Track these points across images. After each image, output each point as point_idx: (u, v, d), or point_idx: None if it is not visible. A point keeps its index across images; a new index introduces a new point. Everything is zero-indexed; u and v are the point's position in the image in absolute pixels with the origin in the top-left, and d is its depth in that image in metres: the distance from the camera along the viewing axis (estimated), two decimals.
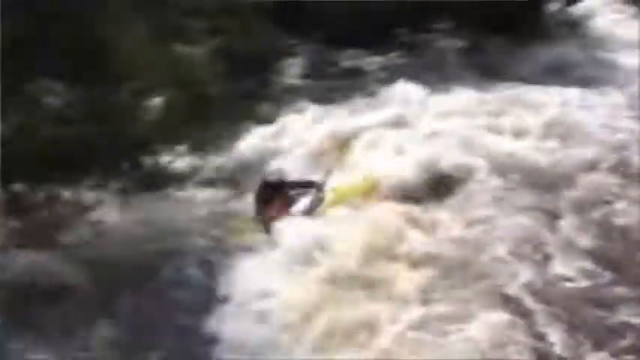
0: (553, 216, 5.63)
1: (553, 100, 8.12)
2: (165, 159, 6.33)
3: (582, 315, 4.43)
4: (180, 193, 6.45)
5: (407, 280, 4.80)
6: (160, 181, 6.21)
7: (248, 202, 6.17)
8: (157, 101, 6.43)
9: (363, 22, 10.36)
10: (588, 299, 4.59)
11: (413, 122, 7.48)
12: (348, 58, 10.90)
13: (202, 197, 6.59)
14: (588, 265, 4.94)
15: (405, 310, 4.46)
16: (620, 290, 4.66)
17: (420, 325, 4.33)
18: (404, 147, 6.75)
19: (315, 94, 8.69)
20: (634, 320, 4.33)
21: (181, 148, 6.48)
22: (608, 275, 4.81)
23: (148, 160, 6.24)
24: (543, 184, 6.18)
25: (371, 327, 4.30)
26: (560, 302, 4.53)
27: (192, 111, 6.46)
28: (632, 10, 13.45)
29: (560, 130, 7.22)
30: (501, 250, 5.07)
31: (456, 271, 4.89)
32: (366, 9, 10.33)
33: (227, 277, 4.96)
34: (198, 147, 6.57)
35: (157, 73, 6.37)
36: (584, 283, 4.77)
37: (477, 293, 4.62)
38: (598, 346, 4.12)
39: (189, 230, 5.92)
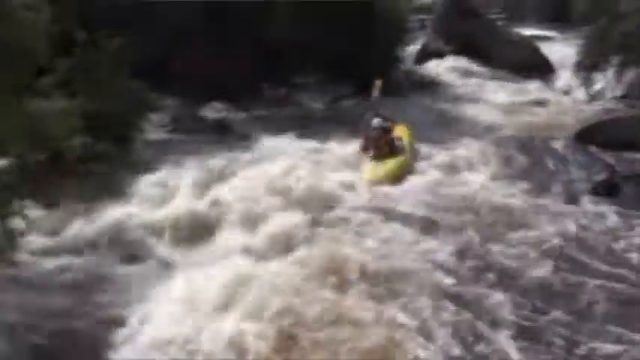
0: None
1: None
2: (15, 221, 5.92)
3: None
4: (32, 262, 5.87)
5: None
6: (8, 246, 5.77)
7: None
8: (7, 158, 6.10)
9: (229, 78, 10.66)
10: None
11: None
12: (214, 113, 11.07)
13: (55, 266, 5.84)
14: None
15: None
16: None
17: None
18: None
19: (176, 149, 8.66)
20: None
21: (34, 209, 6.13)
22: None
23: None
24: None
25: None
26: None
27: (46, 168, 6.22)
28: (473, 66, 15.15)
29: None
30: None
31: None
32: (233, 65, 10.66)
33: None
34: (53, 208, 6.26)
35: (9, 129, 6.09)
36: None
37: None
38: None
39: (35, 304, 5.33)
